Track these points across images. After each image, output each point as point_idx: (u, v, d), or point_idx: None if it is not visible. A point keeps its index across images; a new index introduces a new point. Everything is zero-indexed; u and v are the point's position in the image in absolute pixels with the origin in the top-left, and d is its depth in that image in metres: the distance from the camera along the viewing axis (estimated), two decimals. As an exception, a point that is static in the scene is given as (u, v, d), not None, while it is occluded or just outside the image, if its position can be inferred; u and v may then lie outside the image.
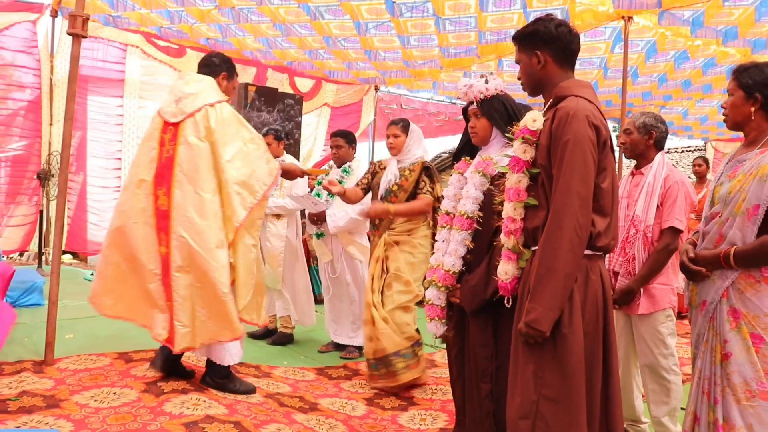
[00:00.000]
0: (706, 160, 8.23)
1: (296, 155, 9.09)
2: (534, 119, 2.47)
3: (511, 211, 2.50)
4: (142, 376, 4.22)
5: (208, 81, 4.02)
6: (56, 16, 8.27)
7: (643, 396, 3.76)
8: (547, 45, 2.51)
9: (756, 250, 2.44)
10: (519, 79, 2.63)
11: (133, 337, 5.27)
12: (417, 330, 4.58)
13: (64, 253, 10.27)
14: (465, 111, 3.34)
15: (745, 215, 2.48)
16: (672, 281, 3.48)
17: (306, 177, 5.60)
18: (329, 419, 3.94)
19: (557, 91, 2.49)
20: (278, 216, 5.81)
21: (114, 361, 4.57)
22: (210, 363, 4.09)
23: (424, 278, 3.41)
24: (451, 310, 3.21)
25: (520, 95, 10.22)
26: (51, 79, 8.57)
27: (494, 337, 2.98)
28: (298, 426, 3.68)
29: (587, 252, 2.36)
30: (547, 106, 2.52)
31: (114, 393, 3.91)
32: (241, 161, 3.80)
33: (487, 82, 3.15)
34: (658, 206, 3.47)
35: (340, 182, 5.40)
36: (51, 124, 8.64)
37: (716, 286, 2.57)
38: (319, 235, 5.71)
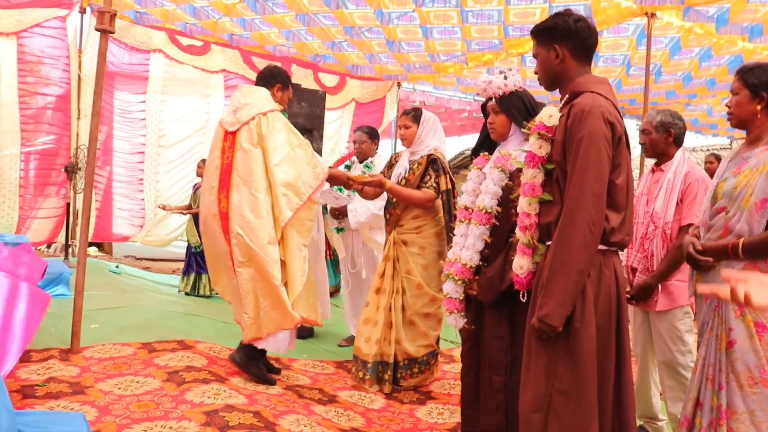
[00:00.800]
0: (717, 158, 8.18)
1: (319, 151, 9.15)
2: (550, 115, 2.49)
3: (526, 206, 2.52)
4: (164, 366, 4.30)
5: (263, 92, 4.28)
6: (84, 12, 8.41)
7: (660, 394, 3.76)
8: (566, 39, 2.52)
9: (764, 241, 2.49)
10: (536, 73, 2.65)
11: (156, 328, 5.37)
12: (437, 340, 4.60)
13: (90, 245, 10.46)
14: (484, 107, 3.36)
15: (753, 209, 2.53)
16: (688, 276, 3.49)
17: None
18: (348, 411, 3.98)
19: (573, 87, 2.50)
20: None
21: (137, 351, 4.66)
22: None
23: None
24: (469, 303, 3.24)
25: (542, 92, 10.23)
26: (79, 75, 8.70)
27: (509, 330, 3.00)
28: (316, 417, 3.73)
29: (601, 247, 2.38)
30: (563, 101, 2.54)
31: (137, 381, 3.99)
32: (289, 165, 4.06)
33: (506, 78, 3.17)
34: (677, 203, 3.47)
35: None
36: (78, 119, 8.79)
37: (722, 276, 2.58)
38: (339, 230, 5.75)
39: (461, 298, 3.20)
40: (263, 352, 4.33)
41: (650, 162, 4.04)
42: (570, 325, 2.33)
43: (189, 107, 9.89)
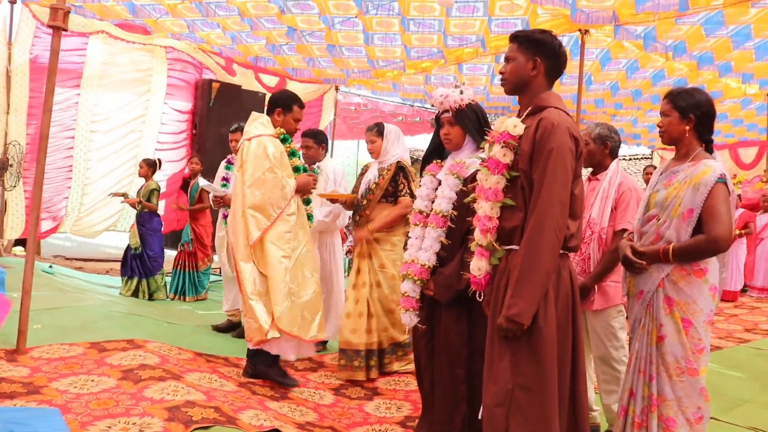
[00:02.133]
0: (655, 168, 8.73)
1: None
2: (515, 125, 2.71)
3: (488, 210, 2.72)
4: (117, 365, 4.39)
5: (262, 119, 4.59)
6: (15, 3, 8.23)
7: (595, 387, 4.08)
8: (547, 57, 2.77)
9: (691, 247, 2.86)
10: (501, 73, 2.85)
11: (101, 328, 5.42)
12: None
13: (16, 243, 10.22)
14: (437, 118, 3.60)
15: (681, 218, 2.91)
16: (621, 278, 3.81)
17: None
18: (300, 407, 4.17)
19: (538, 102, 2.75)
20: None
21: (87, 351, 4.71)
22: (256, 350, 4.50)
23: None
24: (422, 302, 3.48)
25: (477, 98, 10.60)
26: (8, 68, 8.50)
27: (467, 327, 3.26)
28: (272, 412, 3.90)
29: (560, 251, 2.66)
30: (525, 113, 2.77)
31: (92, 380, 4.07)
32: (257, 188, 4.36)
33: (461, 92, 3.42)
34: (612, 210, 3.80)
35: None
36: (8, 113, 8.57)
37: (653, 277, 2.97)
38: None
39: (417, 297, 3.44)
40: (273, 357, 4.57)
41: (585, 171, 4.37)
42: (534, 323, 2.57)
43: (127, 97, 9.66)
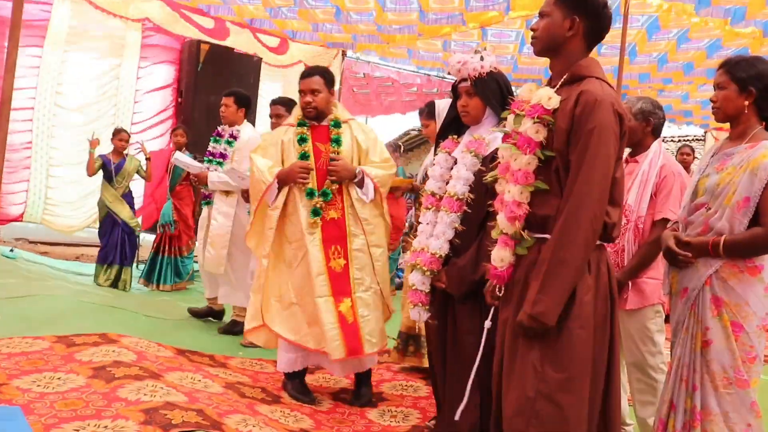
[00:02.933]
0: (692, 150, 8.70)
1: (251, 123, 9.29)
2: (549, 97, 2.67)
3: (517, 194, 2.68)
4: (87, 361, 4.44)
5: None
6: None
7: (629, 399, 4.11)
8: (588, 17, 2.71)
9: (747, 241, 2.84)
10: (533, 30, 2.81)
11: (71, 320, 5.50)
12: None
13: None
14: (455, 87, 3.62)
15: (735, 207, 2.87)
16: (662, 275, 3.81)
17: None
18: (294, 412, 4.22)
19: (576, 69, 2.71)
20: (227, 193, 6.10)
21: (53, 345, 4.77)
22: None
23: None
24: (433, 295, 3.51)
25: (504, 68, 10.59)
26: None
27: (482, 323, 3.29)
28: (262, 417, 3.96)
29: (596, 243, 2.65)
30: (560, 82, 2.73)
31: (58, 378, 4.11)
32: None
33: (482, 59, 3.43)
34: (651, 196, 3.79)
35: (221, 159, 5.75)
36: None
37: (699, 273, 2.95)
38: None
39: (428, 290, 3.47)
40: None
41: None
42: (564, 324, 2.57)
43: (97, 67, 9.72)
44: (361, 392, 4.61)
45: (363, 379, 4.64)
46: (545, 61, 2.89)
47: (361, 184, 4.44)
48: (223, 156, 6.24)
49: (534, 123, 2.67)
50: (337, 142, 4.48)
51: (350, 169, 4.41)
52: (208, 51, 9.45)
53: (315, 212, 4.40)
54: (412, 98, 14.20)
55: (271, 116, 5.90)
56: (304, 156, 4.46)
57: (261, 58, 10.12)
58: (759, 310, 2.88)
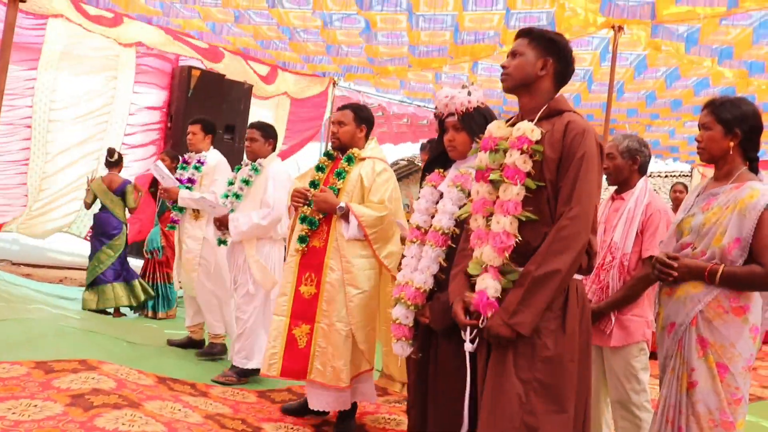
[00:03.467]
0: (686, 187, 8.74)
1: (240, 151, 9.29)
2: (532, 130, 2.74)
3: (507, 225, 2.72)
4: (66, 388, 4.39)
5: None
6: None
7: (612, 436, 4.09)
8: (558, 60, 2.85)
9: (744, 276, 2.86)
10: (504, 67, 2.89)
11: (51, 345, 5.42)
12: None
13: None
14: (441, 121, 3.61)
15: (726, 249, 2.89)
16: (647, 314, 3.79)
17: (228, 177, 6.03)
18: (274, 445, 4.18)
19: (554, 104, 2.82)
20: (196, 216, 6.13)
21: (31, 371, 4.71)
22: None
23: None
24: (416, 330, 3.48)
25: (493, 101, 10.66)
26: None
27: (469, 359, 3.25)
28: (241, 450, 3.92)
29: (576, 276, 2.70)
30: (538, 116, 2.80)
31: (35, 405, 4.06)
32: None
33: (469, 94, 3.43)
34: (637, 234, 3.81)
35: (246, 182, 5.66)
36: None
37: (686, 309, 2.96)
38: (221, 242, 5.89)
39: (411, 324, 3.44)
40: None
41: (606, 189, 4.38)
42: (550, 352, 2.60)
43: (90, 85, 9.70)
44: (343, 423, 4.58)
45: (345, 413, 4.60)
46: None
47: (346, 220, 4.42)
48: (191, 181, 6.27)
49: (521, 154, 2.72)
50: (339, 175, 4.54)
51: (330, 202, 4.40)
52: (199, 77, 9.47)
53: (301, 239, 4.51)
54: (403, 129, 14.23)
55: (245, 139, 5.85)
56: (312, 183, 4.61)
57: (252, 86, 10.14)
58: (744, 351, 2.89)
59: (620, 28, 7.09)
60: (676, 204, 8.55)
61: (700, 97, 9.56)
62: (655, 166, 17.38)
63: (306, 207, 4.50)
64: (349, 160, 4.58)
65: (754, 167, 3.08)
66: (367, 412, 4.98)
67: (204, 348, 6.35)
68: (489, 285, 2.74)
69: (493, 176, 2.82)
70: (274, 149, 5.85)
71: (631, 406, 3.78)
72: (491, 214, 2.80)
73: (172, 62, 9.91)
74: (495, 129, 2.92)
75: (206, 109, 8.99)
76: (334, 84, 11.57)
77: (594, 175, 2.66)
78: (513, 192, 2.72)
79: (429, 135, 13.98)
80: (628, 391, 3.78)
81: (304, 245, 4.49)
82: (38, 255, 10.96)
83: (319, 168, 4.69)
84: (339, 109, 4.82)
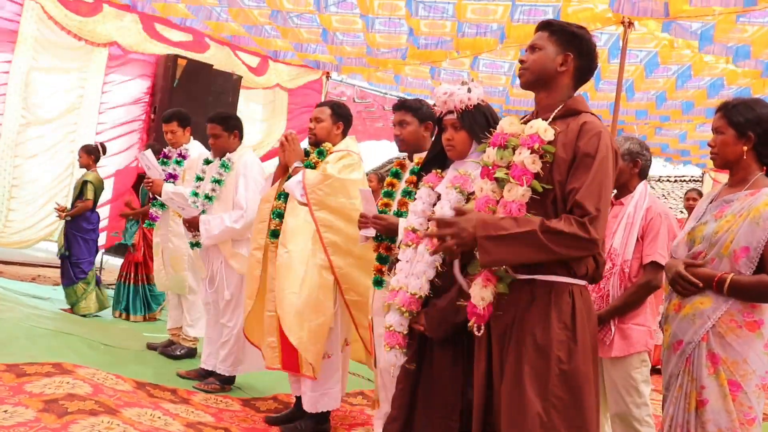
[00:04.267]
0: (700, 194, 8.76)
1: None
2: (545, 129, 2.73)
3: None
4: (39, 393, 4.40)
5: None
6: None
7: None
8: (581, 56, 2.84)
9: (753, 285, 2.86)
10: (522, 62, 2.91)
11: (22, 347, 5.44)
12: None
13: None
14: (440, 120, 3.62)
15: (733, 257, 2.90)
16: (650, 322, 3.81)
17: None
18: (258, 457, 4.20)
19: (572, 104, 2.82)
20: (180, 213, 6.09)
21: (1, 374, 4.71)
22: None
23: None
24: (411, 338, 3.49)
25: (495, 100, 10.69)
26: None
27: (464, 371, 3.27)
28: (223, 461, 3.94)
29: (581, 282, 2.71)
30: (554, 115, 2.80)
31: (5, 411, 4.06)
32: None
33: (469, 90, 3.43)
34: (637, 239, 3.83)
35: (218, 182, 5.65)
36: None
37: (696, 326, 2.96)
38: (193, 245, 5.79)
39: (405, 332, 3.44)
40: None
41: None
42: (565, 365, 2.60)
43: (65, 80, 9.70)
44: (302, 421, 4.71)
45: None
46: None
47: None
48: (173, 176, 6.30)
49: (531, 153, 2.72)
50: (309, 167, 4.66)
51: (291, 158, 4.68)
52: (185, 67, 9.46)
53: (273, 234, 4.71)
54: (399, 126, 14.23)
55: (208, 136, 5.73)
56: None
57: (241, 77, 10.14)
58: (759, 368, 2.88)
59: (630, 24, 7.12)
60: (690, 212, 8.58)
61: (713, 99, 9.57)
62: (664, 170, 17.45)
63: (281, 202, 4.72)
64: (320, 153, 4.71)
65: None
66: (356, 423, 5.01)
67: (167, 346, 6.50)
68: (476, 294, 2.78)
69: (498, 173, 2.82)
70: (240, 140, 5.77)
71: (631, 420, 3.79)
72: (494, 213, 2.81)
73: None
74: (507, 125, 2.91)
75: (192, 101, 8.99)
76: (328, 77, 11.58)
77: (608, 180, 2.66)
78: (518, 193, 2.71)
79: (426, 133, 13.99)
80: (629, 404, 3.79)
81: (275, 239, 4.66)
82: (10, 252, 10.94)
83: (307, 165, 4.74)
84: (317, 105, 4.94)
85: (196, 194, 5.78)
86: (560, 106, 2.82)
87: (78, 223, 8.16)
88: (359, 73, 11.17)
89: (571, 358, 2.61)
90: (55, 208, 8.36)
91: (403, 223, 3.70)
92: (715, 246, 2.97)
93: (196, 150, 6.42)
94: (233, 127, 5.67)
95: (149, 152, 6.41)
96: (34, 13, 9.01)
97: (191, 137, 6.55)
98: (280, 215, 4.65)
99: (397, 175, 4.33)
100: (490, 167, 2.88)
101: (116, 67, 9.79)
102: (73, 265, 8.06)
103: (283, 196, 4.68)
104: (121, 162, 9.70)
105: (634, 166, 3.98)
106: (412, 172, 4.14)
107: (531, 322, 2.65)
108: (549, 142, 2.71)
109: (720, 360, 2.89)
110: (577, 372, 2.61)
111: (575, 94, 2.89)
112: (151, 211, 6.45)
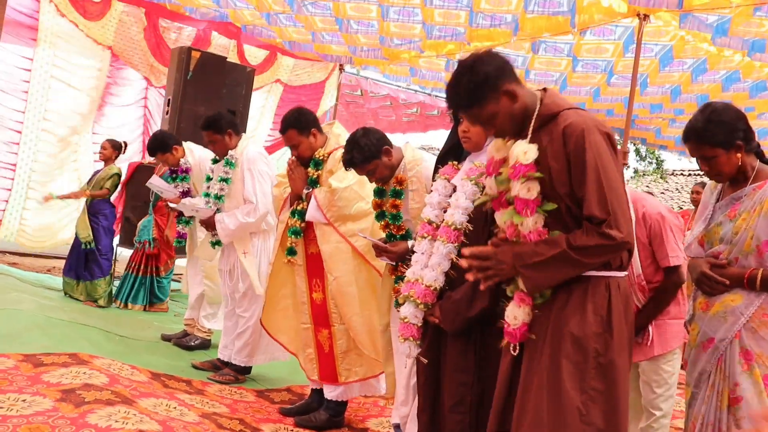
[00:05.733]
0: (705, 186, 8.73)
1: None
2: (524, 152, 2.66)
3: None
4: (56, 383, 4.45)
5: None
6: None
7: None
8: (505, 76, 2.72)
9: None
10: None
11: (39, 338, 5.48)
12: None
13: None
14: (456, 112, 3.62)
15: (756, 253, 2.90)
16: (683, 313, 3.71)
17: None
18: (272, 447, 4.24)
19: (544, 111, 2.72)
20: None
21: (19, 364, 4.77)
22: None
23: None
24: (426, 330, 3.50)
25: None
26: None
27: (475, 363, 3.29)
28: (238, 451, 3.97)
29: (618, 274, 2.70)
30: (531, 131, 2.73)
31: (23, 400, 4.12)
32: None
33: None
34: (641, 249, 3.71)
35: (225, 180, 5.73)
36: None
37: (728, 324, 2.94)
38: (214, 244, 5.88)
39: (420, 324, 3.46)
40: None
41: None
42: (603, 358, 2.61)
43: (82, 77, 9.91)
44: (317, 412, 4.80)
45: (326, 402, 4.80)
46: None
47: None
48: (186, 193, 6.59)
49: (523, 183, 2.67)
50: (314, 183, 4.75)
51: (298, 186, 4.76)
52: (199, 59, 9.47)
53: (290, 251, 4.80)
54: (411, 119, 14.26)
55: (207, 143, 5.95)
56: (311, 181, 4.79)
57: (254, 69, 10.17)
58: None
59: (645, 17, 7.08)
60: (697, 205, 8.56)
61: (729, 92, 9.52)
62: (678, 163, 17.38)
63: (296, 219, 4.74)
64: (317, 164, 4.75)
65: (763, 158, 3.10)
66: (370, 414, 5.04)
67: (181, 337, 6.58)
68: (510, 314, 2.79)
69: (506, 213, 2.79)
70: (237, 134, 5.84)
71: (652, 409, 3.77)
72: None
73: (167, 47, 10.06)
74: (494, 151, 2.86)
75: (206, 94, 9.01)
76: (341, 69, 11.59)
77: (612, 172, 2.61)
78: (530, 224, 2.69)
79: (439, 125, 14.01)
80: (657, 397, 3.76)
81: (293, 257, 4.78)
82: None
83: (312, 182, 4.79)
84: (281, 132, 4.90)
85: (207, 195, 5.85)
86: (533, 120, 2.72)
87: (105, 217, 8.31)
88: (373, 65, 11.17)
89: (607, 351, 2.61)
90: (63, 197, 8.62)
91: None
92: (737, 245, 2.97)
93: (196, 153, 6.56)
94: (225, 127, 5.74)
95: (155, 178, 6.63)
96: (52, 8, 9.15)
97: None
98: (296, 233, 4.73)
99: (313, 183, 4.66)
100: (497, 198, 2.85)
101: (122, 66, 10.04)
102: (103, 257, 8.21)
103: (298, 213, 4.74)
104: (130, 157, 9.86)
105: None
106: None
107: (567, 317, 2.65)
108: (536, 161, 2.64)
109: (754, 355, 2.87)
110: (614, 365, 2.62)
111: (542, 92, 2.79)
112: (177, 228, 6.57)
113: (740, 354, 2.90)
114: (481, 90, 2.68)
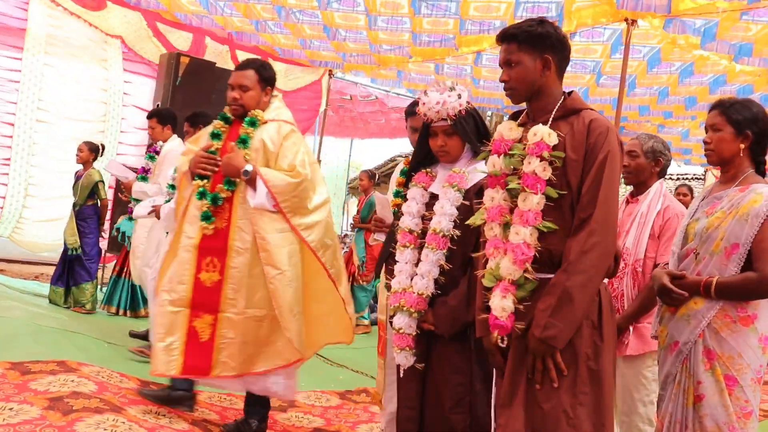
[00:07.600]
0: (690, 190, 8.76)
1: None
2: (549, 134, 2.74)
3: (527, 236, 2.73)
4: (43, 391, 4.42)
5: None
6: None
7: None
8: (555, 51, 2.83)
9: (739, 284, 2.91)
10: (504, 81, 2.87)
11: (26, 345, 5.45)
12: None
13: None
14: (427, 126, 3.57)
15: (723, 254, 2.94)
16: None
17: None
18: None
19: (570, 103, 2.82)
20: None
21: (6, 372, 4.74)
22: None
23: None
24: (419, 337, 3.47)
25: (499, 95, 10.69)
26: None
27: (469, 364, 3.29)
28: (228, 458, 3.94)
29: (606, 280, 2.76)
30: (552, 117, 2.80)
31: (10, 409, 4.08)
32: None
33: (459, 96, 3.37)
34: (652, 238, 3.79)
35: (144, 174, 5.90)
36: None
37: (691, 326, 2.99)
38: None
39: (415, 333, 3.41)
40: None
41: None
42: (598, 364, 2.66)
43: (83, 76, 9.88)
44: (246, 420, 4.35)
45: (253, 405, 4.38)
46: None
47: (252, 186, 4.14)
48: (145, 171, 6.61)
49: (540, 161, 2.72)
50: (244, 142, 4.21)
51: (236, 165, 4.11)
52: (188, 65, 9.45)
53: (206, 216, 4.19)
54: (399, 123, 14.25)
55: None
56: (210, 153, 4.25)
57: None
58: (753, 362, 2.92)
59: (633, 21, 7.10)
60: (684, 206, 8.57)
61: (715, 94, 9.55)
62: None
63: (205, 181, 4.20)
64: (252, 123, 4.23)
65: (761, 170, 3.12)
66: (360, 420, 5.05)
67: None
68: (498, 306, 2.78)
69: (511, 184, 2.82)
70: (173, 131, 6.31)
71: (636, 417, 3.78)
72: (507, 223, 2.82)
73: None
74: (506, 130, 2.90)
75: (195, 99, 8.99)
76: (331, 74, 11.57)
77: (616, 177, 2.69)
78: (533, 202, 2.72)
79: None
80: (637, 402, 3.78)
81: (210, 223, 4.17)
82: (12, 249, 10.97)
83: (215, 135, 4.31)
84: (238, 68, 4.44)
85: (172, 187, 5.66)
86: (557, 107, 2.82)
87: (93, 221, 8.28)
88: (362, 70, 11.15)
89: (598, 356, 2.66)
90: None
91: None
92: (706, 242, 3.02)
93: (166, 147, 6.45)
94: (166, 120, 6.42)
95: (113, 162, 6.93)
96: (42, 3, 9.09)
97: (173, 135, 6.59)
98: (207, 217, 4.19)
99: (217, 137, 4.30)
100: (498, 176, 2.88)
101: (131, 62, 10.00)
102: (90, 262, 8.17)
103: (209, 196, 4.19)
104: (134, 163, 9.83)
105: (655, 165, 3.94)
106: (402, 174, 4.12)
107: None
108: (554, 147, 2.72)
109: (715, 355, 2.93)
110: (603, 370, 2.66)
111: (567, 91, 2.90)
112: (130, 206, 6.67)
113: (703, 353, 2.96)
114: (534, 39, 2.80)
